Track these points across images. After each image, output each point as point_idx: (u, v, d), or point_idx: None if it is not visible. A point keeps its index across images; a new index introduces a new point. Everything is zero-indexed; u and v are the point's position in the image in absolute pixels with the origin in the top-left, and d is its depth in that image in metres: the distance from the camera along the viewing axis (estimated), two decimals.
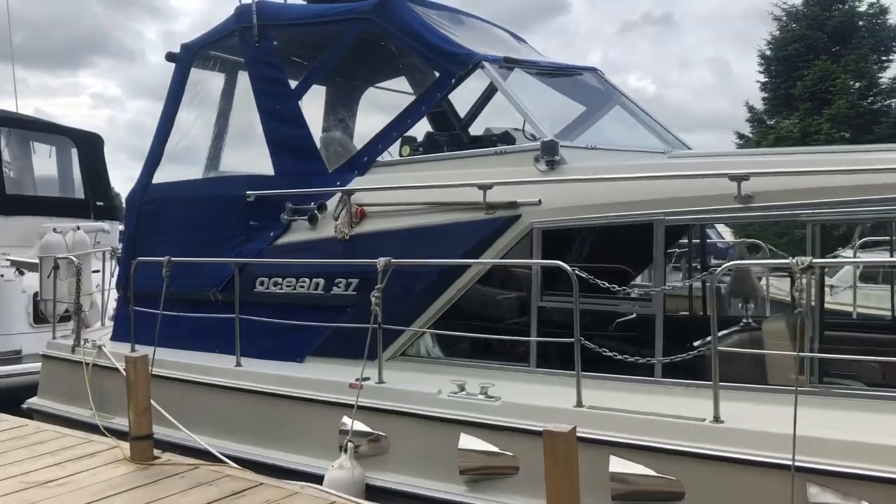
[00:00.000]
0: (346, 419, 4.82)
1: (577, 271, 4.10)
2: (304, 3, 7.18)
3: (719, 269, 3.84)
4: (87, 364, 6.61)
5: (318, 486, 4.49)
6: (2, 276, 9.79)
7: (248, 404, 5.45)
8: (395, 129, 5.78)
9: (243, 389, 5.48)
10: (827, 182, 3.92)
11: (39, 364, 8.93)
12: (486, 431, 4.32)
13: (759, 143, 24.06)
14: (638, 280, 6.46)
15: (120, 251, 8.34)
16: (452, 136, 6.25)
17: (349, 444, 4.67)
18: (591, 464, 3.68)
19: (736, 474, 3.58)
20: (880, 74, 24.37)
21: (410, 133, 6.06)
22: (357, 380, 4.86)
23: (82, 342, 6.93)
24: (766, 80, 26.01)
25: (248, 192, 6.10)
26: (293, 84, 6.46)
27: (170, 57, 7.18)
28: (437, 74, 5.70)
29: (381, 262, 4.76)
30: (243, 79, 7.23)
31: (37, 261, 8.34)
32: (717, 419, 3.72)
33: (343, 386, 4.95)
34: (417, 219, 5.23)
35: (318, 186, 5.82)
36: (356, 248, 5.41)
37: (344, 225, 5.48)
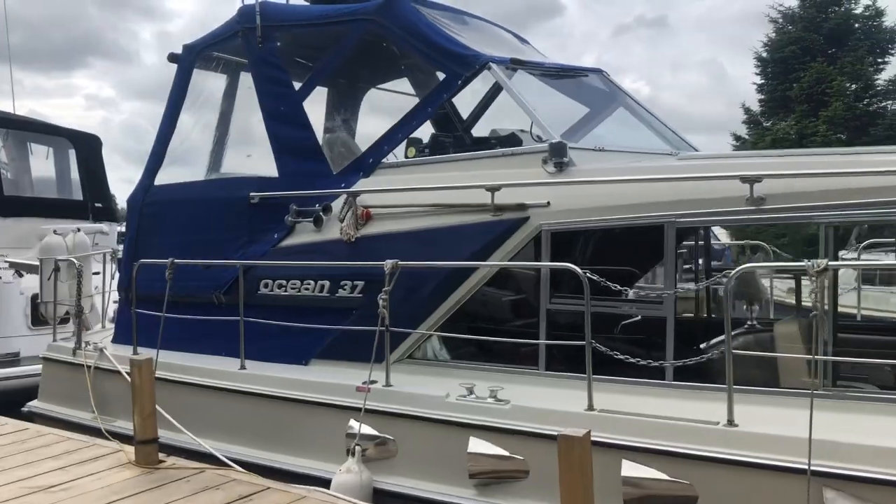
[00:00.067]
0: (353, 422, 4.78)
1: (588, 274, 4.07)
2: (307, 3, 7.15)
3: (734, 271, 3.80)
4: (89, 367, 6.56)
5: (325, 490, 4.45)
6: (0, 277, 9.74)
7: (254, 407, 5.41)
8: (401, 131, 5.75)
9: (248, 392, 5.44)
10: (840, 184, 3.90)
11: (37, 367, 8.89)
12: (495, 435, 4.29)
13: (756, 145, 24.07)
14: (641, 282, 6.44)
15: (120, 253, 8.31)
16: (458, 137, 6.22)
17: (357, 448, 4.64)
18: (603, 468, 3.64)
19: (750, 478, 3.55)
20: (876, 76, 24.41)
21: (415, 134, 6.03)
22: (364, 383, 4.82)
23: (83, 345, 6.88)
24: (763, 82, 26.02)
25: (251, 194, 6.06)
26: (296, 85, 6.44)
27: (172, 58, 7.14)
28: (443, 76, 5.66)
29: (388, 264, 4.72)
30: (245, 80, 7.19)
31: (36, 263, 8.29)
32: (730, 422, 3.70)
33: (350, 389, 4.91)
34: (424, 221, 5.20)
35: (322, 188, 5.78)
36: (362, 251, 5.37)
37: (349, 227, 5.44)
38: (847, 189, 3.88)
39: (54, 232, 8.18)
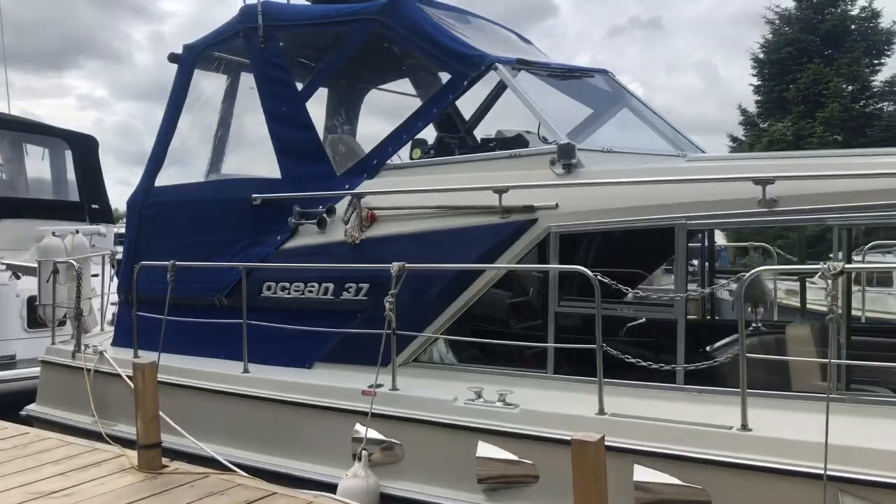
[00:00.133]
0: (359, 426, 4.73)
1: (598, 276, 4.03)
2: (309, 3, 7.10)
3: (748, 274, 3.76)
4: (89, 370, 6.50)
5: (332, 496, 4.40)
6: None
7: (257, 411, 5.35)
8: (406, 132, 5.69)
9: (252, 396, 5.38)
10: (854, 186, 3.86)
11: (34, 369, 8.82)
12: (504, 439, 4.25)
13: (753, 147, 24.11)
14: (641, 284, 6.41)
15: (119, 255, 8.24)
16: (463, 139, 6.18)
17: (363, 453, 4.59)
18: (614, 472, 3.60)
19: (765, 483, 3.51)
20: (872, 78, 24.50)
21: (419, 136, 5.98)
22: (370, 386, 4.77)
23: (83, 348, 6.81)
24: (760, 83, 26.09)
25: (253, 195, 6.00)
26: (298, 85, 6.39)
27: (172, 58, 7.08)
28: (449, 76, 5.61)
29: (395, 266, 4.68)
30: (246, 80, 7.14)
31: (34, 265, 8.21)
32: (744, 427, 3.66)
33: (356, 393, 4.86)
34: (430, 223, 5.14)
35: (326, 189, 5.73)
36: (367, 253, 5.32)
37: (354, 229, 5.39)
38: (861, 191, 3.84)
39: (53, 234, 8.10)
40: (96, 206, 12.47)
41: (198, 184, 6.93)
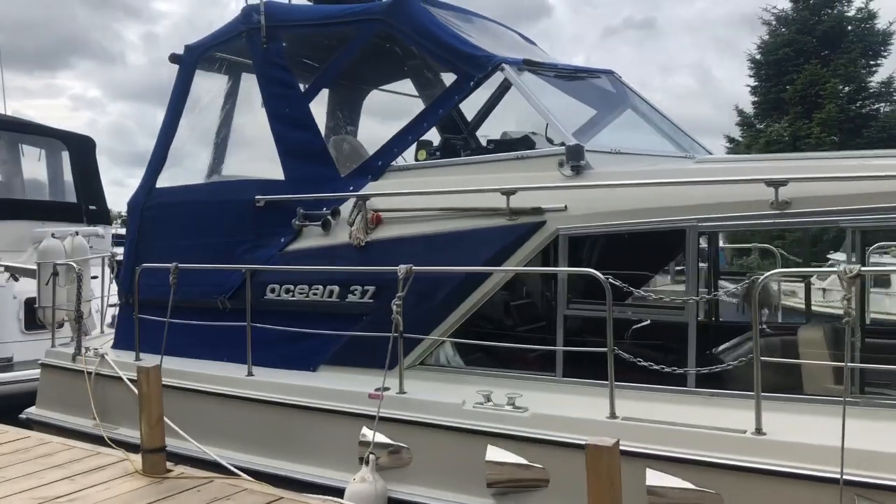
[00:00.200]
0: (366, 430, 4.69)
1: (610, 279, 4.00)
2: (310, 3, 7.05)
3: (763, 276, 3.73)
4: (90, 373, 6.44)
5: (339, 500, 4.36)
6: None
7: (262, 415, 5.31)
8: (411, 133, 5.65)
9: (257, 400, 5.33)
10: (868, 188, 3.83)
11: (31, 372, 8.76)
12: (514, 443, 4.21)
13: (750, 147, 24.17)
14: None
15: (118, 257, 8.19)
16: (467, 140, 6.14)
17: (371, 457, 4.54)
18: (627, 477, 3.57)
19: (780, 488, 3.48)
20: (869, 79, 24.59)
21: (423, 137, 5.94)
22: (377, 389, 4.73)
23: (83, 350, 6.76)
24: (756, 84, 26.14)
25: (257, 197, 5.96)
26: (301, 86, 6.35)
27: (174, 58, 7.03)
28: (455, 77, 5.57)
29: (402, 269, 4.63)
30: (247, 81, 7.10)
31: (33, 266, 8.15)
32: (758, 431, 3.63)
33: (362, 396, 4.82)
34: (436, 225, 5.11)
35: (330, 191, 5.68)
36: (372, 255, 5.28)
37: (360, 231, 5.35)
38: (875, 193, 3.81)
39: (52, 235, 8.03)
40: (94, 208, 12.40)
41: (200, 185, 6.88)
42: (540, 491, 4.14)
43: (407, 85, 7.62)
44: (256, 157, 7.36)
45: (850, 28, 24.74)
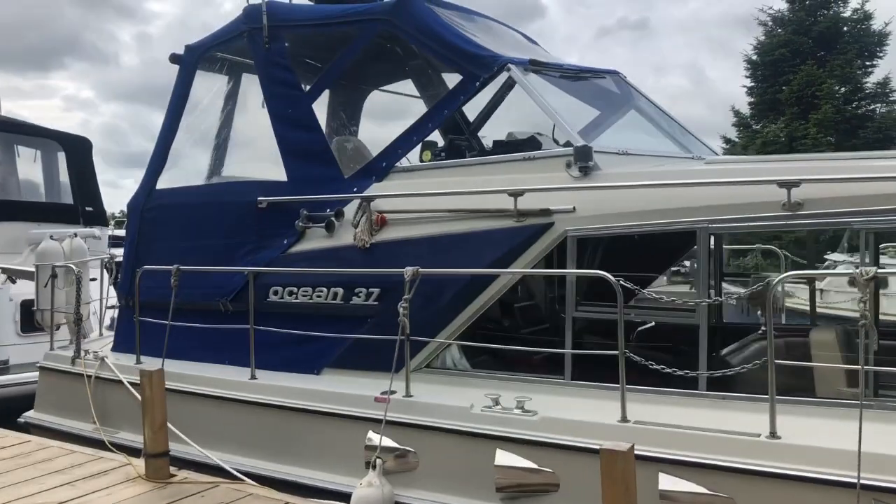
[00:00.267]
0: (372, 434, 4.64)
1: (620, 281, 3.95)
2: (311, 3, 7.00)
3: (778, 278, 3.69)
4: (90, 376, 6.38)
5: None
6: None
7: (266, 418, 5.25)
8: (416, 134, 5.60)
9: (261, 403, 5.27)
10: (881, 189, 3.79)
11: (27, 375, 8.69)
12: (523, 447, 4.16)
13: (746, 148, 24.19)
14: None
15: (117, 258, 8.12)
16: (471, 141, 6.09)
17: (377, 461, 4.49)
18: (639, 481, 3.52)
19: (796, 492, 3.44)
20: (865, 80, 24.63)
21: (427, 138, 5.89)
22: (383, 393, 4.68)
23: (83, 353, 6.69)
24: (753, 84, 26.16)
25: (259, 198, 5.90)
26: (304, 87, 6.29)
27: (174, 58, 6.96)
28: (460, 77, 5.51)
29: (408, 271, 4.58)
30: (247, 81, 7.05)
31: (31, 268, 8.08)
32: (773, 434, 3.59)
33: (368, 399, 4.77)
34: (442, 226, 5.06)
35: (333, 192, 5.63)
36: (377, 257, 5.22)
37: (364, 233, 5.29)
38: (889, 194, 3.77)
39: (51, 237, 7.96)
40: (90, 209, 12.33)
41: (200, 186, 6.81)
42: (550, 495, 4.10)
43: (408, 85, 7.58)
44: (257, 158, 7.30)
45: (845, 29, 24.78)
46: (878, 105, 24.29)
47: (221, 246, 6.14)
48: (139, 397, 5.52)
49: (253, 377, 5.47)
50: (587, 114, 6.21)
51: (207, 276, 6.01)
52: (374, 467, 4.49)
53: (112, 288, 8.11)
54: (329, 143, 6.14)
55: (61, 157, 12.53)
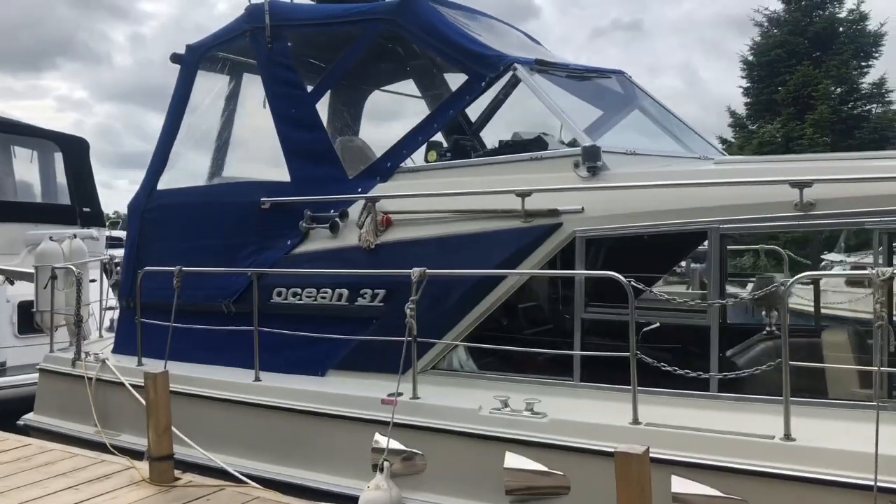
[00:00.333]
0: (378, 436, 4.59)
1: (632, 282, 3.92)
2: (313, 2, 6.96)
3: (792, 279, 3.66)
4: (90, 379, 6.32)
5: None
6: None
7: (270, 421, 5.20)
8: (421, 134, 5.56)
9: (265, 405, 5.22)
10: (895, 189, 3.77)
11: (24, 377, 8.64)
12: (533, 450, 4.12)
13: (742, 148, 24.18)
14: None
15: (117, 259, 8.07)
16: (473, 141, 6.06)
17: (385, 464, 4.45)
18: (652, 484, 3.50)
19: (812, 495, 3.41)
20: (861, 80, 24.64)
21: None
22: (390, 395, 4.64)
23: (83, 355, 6.63)
24: (749, 85, 26.17)
25: (262, 199, 5.85)
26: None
27: (175, 58, 6.92)
28: (466, 77, 5.47)
29: (415, 272, 4.54)
30: (248, 81, 7.00)
31: (29, 270, 8.02)
32: (787, 436, 3.56)
33: (374, 401, 4.72)
34: (448, 227, 5.02)
35: (337, 193, 5.59)
36: (383, 258, 5.18)
37: (369, 233, 5.25)
38: None
39: (50, 238, 7.89)
40: (88, 210, 12.26)
41: (202, 187, 6.76)
42: (560, 499, 4.06)
43: (409, 86, 7.54)
44: (259, 158, 7.26)
45: (841, 29, 24.78)
46: (874, 105, 24.29)
47: (223, 247, 6.09)
48: (141, 400, 5.49)
49: (257, 379, 5.42)
50: (590, 114, 6.19)
51: (209, 277, 5.96)
52: (381, 470, 4.46)
53: (111, 289, 8.07)
54: (332, 144, 6.11)
55: (58, 158, 12.46)
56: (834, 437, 3.53)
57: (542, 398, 4.35)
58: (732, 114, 26.68)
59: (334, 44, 6.29)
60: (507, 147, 5.50)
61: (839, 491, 3.34)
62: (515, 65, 5.22)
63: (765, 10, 26.02)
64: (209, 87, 7.12)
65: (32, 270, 7.68)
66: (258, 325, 5.39)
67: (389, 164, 5.58)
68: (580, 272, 4.46)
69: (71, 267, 7.00)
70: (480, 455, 4.30)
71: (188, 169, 7.15)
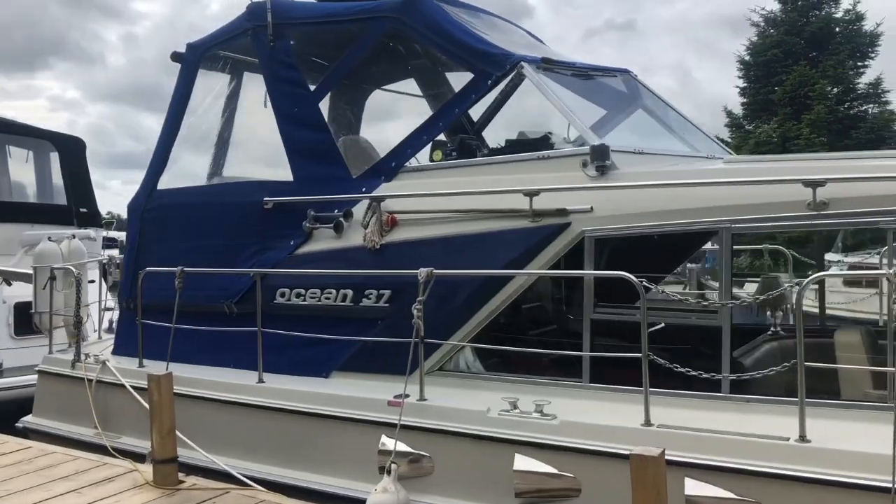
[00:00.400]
0: (385, 439, 4.54)
1: (644, 282, 3.88)
2: (315, 0, 6.91)
3: (807, 280, 3.63)
4: (91, 380, 6.26)
5: None
6: None
7: (275, 423, 5.14)
8: (426, 133, 5.52)
9: (269, 407, 5.17)
10: None
11: (21, 378, 8.57)
12: (543, 452, 4.08)
13: (739, 148, 24.21)
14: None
15: (116, 260, 8.00)
16: (482, 140, 6.01)
17: (392, 466, 4.39)
18: None
19: (828, 498, 3.37)
20: (857, 80, 24.71)
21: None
22: (397, 396, 4.59)
23: (83, 357, 6.56)
24: (745, 85, 26.21)
25: (265, 199, 5.79)
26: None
27: (175, 57, 6.86)
28: (472, 76, 5.43)
29: (422, 272, 4.48)
30: (249, 80, 6.95)
31: (27, 270, 7.95)
32: (802, 438, 3.52)
33: (381, 403, 4.67)
34: (455, 227, 4.97)
35: (341, 192, 5.53)
36: (388, 258, 5.13)
37: (374, 233, 5.20)
38: None
39: (49, 238, 7.82)
40: (84, 210, 12.17)
41: (203, 187, 6.71)
42: (570, 501, 4.02)
43: (410, 85, 7.49)
44: (260, 157, 7.21)
45: (837, 30, 24.87)
46: (871, 105, 24.40)
47: (225, 247, 6.03)
48: (142, 402, 5.44)
49: (261, 381, 5.37)
50: (593, 113, 6.15)
51: (211, 277, 5.91)
52: (388, 473, 4.40)
53: (111, 288, 8.01)
54: (336, 143, 6.05)
55: (54, 158, 12.37)
56: (849, 439, 3.49)
57: (551, 399, 4.31)
58: (729, 114, 26.77)
59: (337, 42, 6.23)
60: (513, 146, 5.45)
61: (857, 493, 3.30)
62: (522, 63, 5.17)
63: (761, 9, 26.13)
64: (210, 86, 7.06)
65: (30, 271, 7.62)
66: (261, 326, 5.34)
67: (394, 163, 5.53)
68: (591, 272, 4.41)
69: (70, 268, 6.93)
70: (489, 457, 4.26)
71: (189, 168, 7.10)
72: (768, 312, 6.29)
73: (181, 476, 4.75)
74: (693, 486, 3.65)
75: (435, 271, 4.49)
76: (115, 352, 6.74)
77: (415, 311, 4.46)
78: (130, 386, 5.85)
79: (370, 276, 5.15)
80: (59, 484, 4.73)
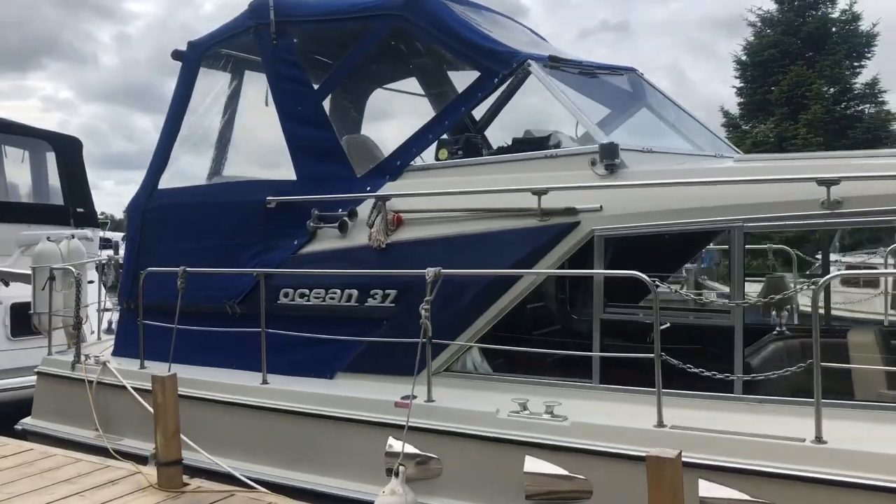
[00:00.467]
0: (392, 440, 4.49)
1: (656, 282, 3.84)
2: None
3: (823, 279, 3.59)
4: (90, 382, 6.19)
5: None
6: None
7: (279, 425, 5.09)
8: (432, 132, 5.46)
9: (274, 409, 5.11)
10: None
11: (18, 380, 8.49)
12: (554, 454, 4.03)
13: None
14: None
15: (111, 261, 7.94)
16: (486, 139, 5.96)
17: (400, 468, 4.34)
18: None
19: (844, 499, 3.34)
20: (854, 80, 24.72)
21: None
22: (404, 398, 4.53)
23: (83, 358, 6.50)
24: (742, 85, 26.20)
25: (268, 198, 5.73)
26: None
27: (176, 55, 6.80)
28: (478, 74, 5.38)
29: (430, 272, 4.44)
30: (250, 78, 6.89)
31: (25, 271, 7.87)
32: (818, 439, 3.48)
33: (388, 404, 4.62)
34: (462, 226, 4.92)
35: (345, 191, 5.48)
36: (394, 258, 5.08)
37: (380, 233, 5.15)
38: None
39: (48, 239, 7.75)
40: (81, 210, 12.08)
41: (205, 186, 6.64)
42: (582, 503, 3.97)
43: (411, 84, 7.44)
44: (262, 156, 7.15)
45: (834, 30, 24.86)
46: (867, 105, 24.40)
47: (227, 247, 5.98)
48: (144, 403, 5.38)
49: (265, 382, 5.31)
50: (597, 112, 6.11)
51: (212, 278, 5.85)
52: (396, 475, 4.35)
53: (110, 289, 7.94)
54: (339, 141, 6.00)
55: (50, 158, 12.28)
56: (865, 440, 3.46)
57: (561, 401, 4.26)
58: (726, 114, 26.73)
59: (341, 40, 6.18)
60: (520, 144, 5.40)
61: (875, 495, 3.26)
62: (529, 61, 5.13)
63: (758, 10, 26.12)
64: (211, 85, 7.00)
65: (27, 271, 7.54)
66: (265, 326, 5.28)
67: (399, 162, 5.48)
68: (601, 272, 4.37)
69: (70, 268, 6.87)
70: (499, 459, 4.21)
71: (190, 168, 7.04)
72: (773, 312, 6.25)
73: (185, 478, 4.69)
74: (707, 488, 3.61)
75: (443, 271, 4.44)
76: (116, 353, 6.68)
77: (422, 312, 4.40)
78: (132, 387, 5.78)
79: (375, 275, 5.10)
80: (61, 487, 4.67)
